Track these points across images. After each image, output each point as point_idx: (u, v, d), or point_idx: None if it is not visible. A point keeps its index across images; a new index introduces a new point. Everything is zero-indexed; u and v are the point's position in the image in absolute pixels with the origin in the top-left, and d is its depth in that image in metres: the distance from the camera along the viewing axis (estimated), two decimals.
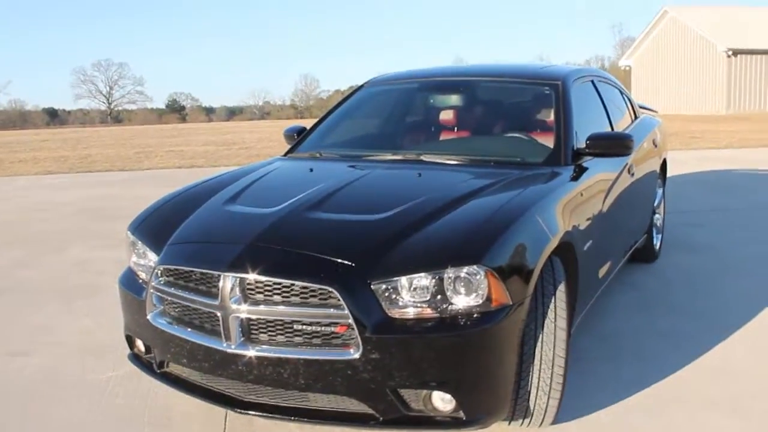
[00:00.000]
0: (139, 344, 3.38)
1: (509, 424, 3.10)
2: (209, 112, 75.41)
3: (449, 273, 2.72)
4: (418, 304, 2.72)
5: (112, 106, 74.07)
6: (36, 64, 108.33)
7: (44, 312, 5.13)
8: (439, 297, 2.72)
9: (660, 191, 6.19)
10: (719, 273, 5.68)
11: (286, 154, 4.62)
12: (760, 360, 3.93)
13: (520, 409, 2.99)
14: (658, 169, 5.96)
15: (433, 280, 2.72)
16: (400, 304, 2.73)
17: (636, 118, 5.86)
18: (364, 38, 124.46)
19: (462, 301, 2.72)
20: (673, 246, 6.47)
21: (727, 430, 3.18)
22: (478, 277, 2.72)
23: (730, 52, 31.96)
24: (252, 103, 77.59)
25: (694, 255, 6.26)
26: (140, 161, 16.68)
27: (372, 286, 2.72)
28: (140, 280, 3.34)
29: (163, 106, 74.84)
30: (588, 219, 3.68)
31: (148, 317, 3.14)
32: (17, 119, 63.44)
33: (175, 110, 72.66)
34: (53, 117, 69.24)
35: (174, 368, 3.21)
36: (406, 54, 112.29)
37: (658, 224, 6.11)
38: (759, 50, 32.11)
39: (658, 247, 6.09)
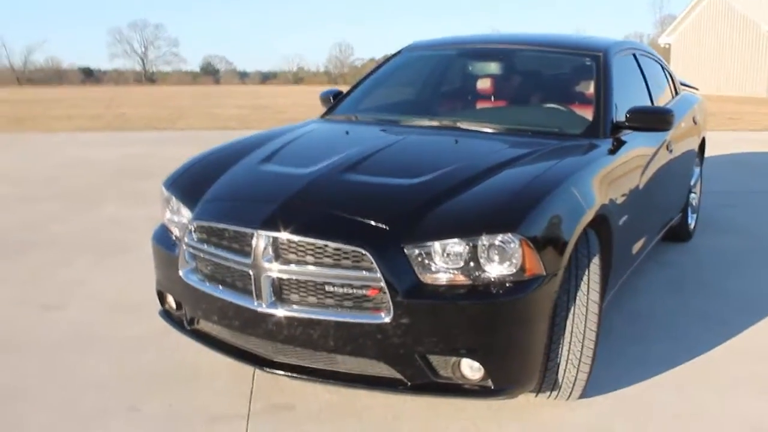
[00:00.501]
0: (170, 300, 3.40)
1: (536, 395, 3.09)
2: (243, 76, 75.41)
3: (483, 240, 2.69)
4: (451, 271, 2.71)
5: (146, 67, 74.54)
6: (73, 22, 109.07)
7: (78, 267, 5.19)
8: (472, 264, 2.70)
9: (697, 170, 6.09)
10: (753, 255, 5.59)
11: (322, 117, 4.60)
12: None
13: (548, 382, 2.97)
14: (696, 147, 5.85)
15: (467, 247, 2.70)
16: (433, 269, 2.71)
17: (677, 94, 5.75)
18: (399, 7, 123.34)
19: (495, 270, 2.70)
20: (707, 226, 6.38)
21: (755, 411, 3.14)
22: (512, 245, 2.69)
23: None
24: (286, 68, 77.59)
25: (728, 236, 6.17)
26: (174, 122, 16.78)
27: (405, 251, 2.71)
28: (173, 237, 3.35)
29: (197, 69, 75.10)
30: (624, 193, 3.62)
31: (181, 273, 3.15)
32: (53, 77, 64.01)
33: (209, 73, 72.79)
34: (88, 75, 69.65)
35: (204, 325, 3.23)
36: (441, 24, 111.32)
37: (693, 203, 6.01)
38: None
39: (692, 226, 6.00)
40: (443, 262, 2.71)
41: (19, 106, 23.58)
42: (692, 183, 5.87)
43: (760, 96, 30.62)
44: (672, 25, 40.82)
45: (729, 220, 6.78)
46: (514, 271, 2.70)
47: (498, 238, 2.69)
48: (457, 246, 2.70)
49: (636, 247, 4.06)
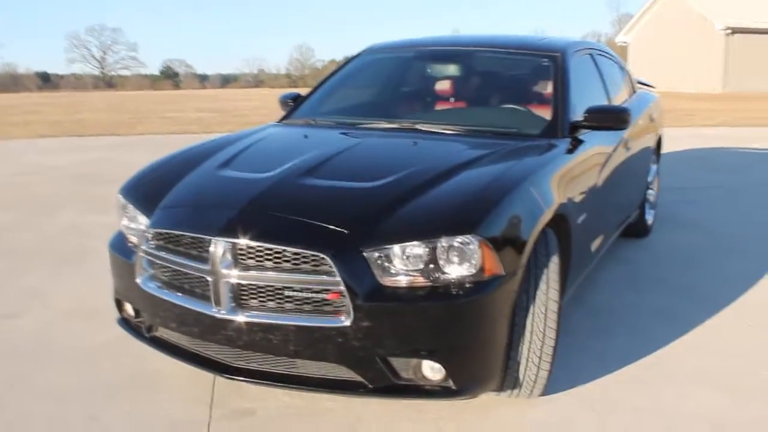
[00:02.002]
0: (128, 308, 3.36)
1: (498, 394, 3.10)
2: (203, 80, 74.77)
3: (443, 242, 2.70)
4: (411, 273, 2.71)
5: (105, 72, 73.45)
6: (29, 27, 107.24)
7: (34, 275, 5.09)
8: (431, 266, 2.71)
9: (654, 167, 6.18)
10: (710, 250, 5.68)
11: (281, 121, 4.57)
12: (748, 336, 3.95)
13: (509, 380, 2.99)
14: (653, 144, 5.94)
15: (427, 249, 2.70)
16: (393, 272, 2.71)
17: (633, 92, 5.83)
18: (360, 9, 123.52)
19: (455, 271, 2.71)
20: (665, 222, 6.47)
21: (714, 405, 3.19)
22: (471, 246, 2.70)
23: (728, 31, 31.79)
24: (246, 71, 77.15)
25: (685, 231, 6.26)
26: (133, 126, 16.54)
27: (365, 254, 2.70)
28: (130, 244, 3.31)
29: (156, 73, 74.17)
30: (582, 192, 3.66)
31: (138, 281, 3.11)
32: (9, 82, 62.88)
33: (169, 77, 71.96)
34: (46, 81, 68.56)
35: (163, 333, 3.20)
36: (402, 25, 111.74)
37: (651, 200, 6.10)
38: (757, 29, 31.91)
39: (650, 222, 6.09)
40: (403, 264, 2.71)
41: None
42: (650, 179, 5.96)
43: (715, 92, 31.16)
44: (629, 24, 41.38)
45: (685, 215, 6.88)
46: (474, 271, 2.71)
47: (457, 240, 2.70)
48: (416, 248, 2.70)
49: (595, 245, 4.11)
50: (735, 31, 31.80)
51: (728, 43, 32.06)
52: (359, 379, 2.78)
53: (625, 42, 40.28)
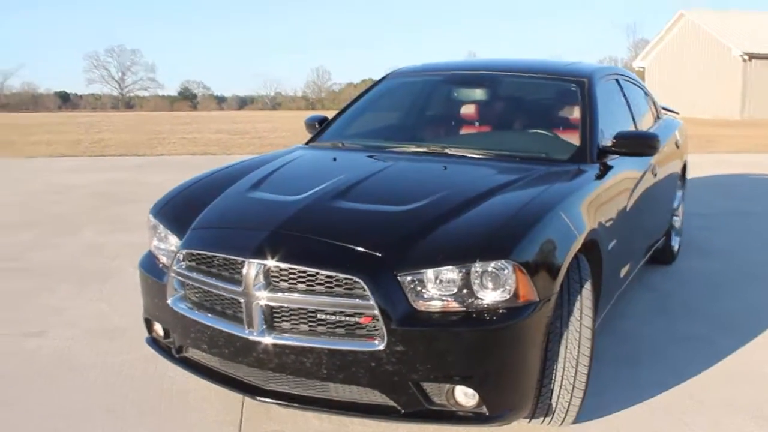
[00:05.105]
0: (158, 328, 3.36)
1: (530, 421, 3.07)
2: (220, 101, 75.42)
3: (477, 267, 2.68)
4: (445, 298, 2.69)
5: (124, 92, 74.22)
6: (49, 47, 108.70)
7: (58, 294, 5.11)
8: (465, 291, 2.69)
9: (680, 193, 6.15)
10: (736, 277, 5.63)
11: (307, 143, 4.58)
12: None
13: (542, 407, 2.96)
14: (679, 171, 5.91)
15: (461, 274, 2.68)
16: (426, 296, 2.69)
17: (658, 118, 5.81)
18: (376, 32, 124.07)
19: (489, 296, 2.69)
20: (690, 249, 6.42)
21: None
22: (505, 271, 2.68)
23: (746, 56, 31.75)
24: (263, 93, 77.68)
25: (711, 259, 6.21)
26: (153, 147, 16.66)
27: (399, 278, 2.69)
28: (161, 264, 3.31)
29: (174, 94, 74.86)
30: (612, 218, 3.64)
31: (169, 302, 3.11)
32: (29, 102, 63.54)
33: (187, 98, 72.60)
34: (65, 101, 69.34)
35: (193, 353, 3.19)
36: (418, 49, 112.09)
37: (676, 226, 6.06)
38: None
39: (676, 249, 6.04)
40: (436, 289, 2.69)
41: None
42: (675, 206, 5.92)
43: (734, 118, 31.06)
44: (645, 49, 41.49)
45: (710, 242, 6.83)
46: (508, 297, 2.69)
47: (491, 265, 2.68)
48: (450, 273, 2.69)
49: (624, 271, 4.07)
50: (752, 57, 31.73)
51: (746, 69, 31.97)
52: (391, 403, 2.75)
53: (642, 67, 40.32)
